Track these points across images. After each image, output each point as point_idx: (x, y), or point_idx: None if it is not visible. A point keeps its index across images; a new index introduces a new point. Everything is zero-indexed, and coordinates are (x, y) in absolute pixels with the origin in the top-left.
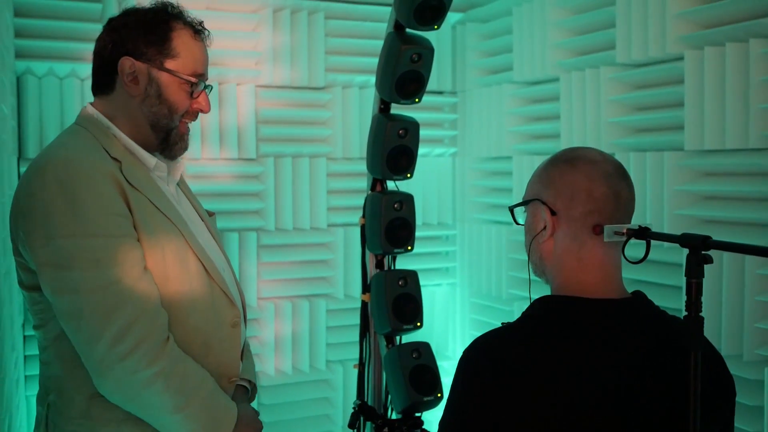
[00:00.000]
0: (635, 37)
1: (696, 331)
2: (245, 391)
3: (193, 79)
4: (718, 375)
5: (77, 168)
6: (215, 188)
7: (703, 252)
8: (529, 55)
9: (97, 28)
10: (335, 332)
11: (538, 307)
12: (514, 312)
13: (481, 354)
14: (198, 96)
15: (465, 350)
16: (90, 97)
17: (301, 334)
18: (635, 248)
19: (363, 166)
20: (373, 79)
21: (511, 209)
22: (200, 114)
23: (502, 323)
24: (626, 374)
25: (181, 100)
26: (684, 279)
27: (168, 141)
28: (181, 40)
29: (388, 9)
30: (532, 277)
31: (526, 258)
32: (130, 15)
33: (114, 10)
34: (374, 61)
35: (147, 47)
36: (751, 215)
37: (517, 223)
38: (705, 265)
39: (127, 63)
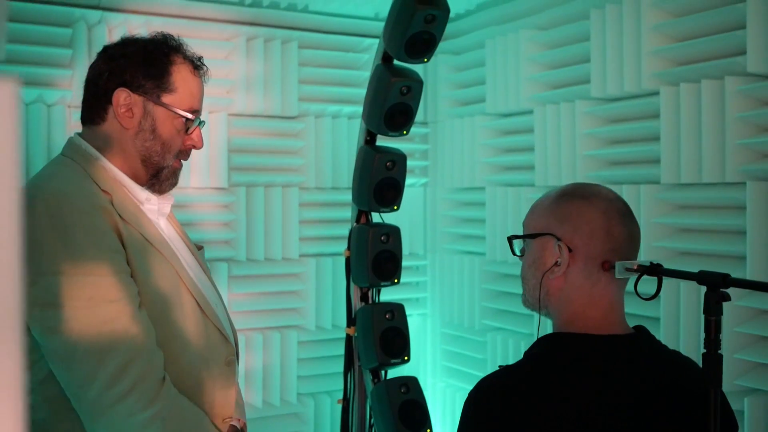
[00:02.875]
0: (610, 72)
1: (715, 368)
2: (236, 430)
3: (189, 115)
4: (724, 407)
5: (68, 201)
6: (186, 217)
7: (722, 290)
8: (503, 88)
9: (65, 53)
10: (306, 364)
11: (545, 344)
12: (487, 343)
13: (491, 395)
14: (192, 132)
15: (473, 392)
16: (59, 124)
17: (271, 366)
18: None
19: (335, 196)
20: (346, 108)
21: (510, 240)
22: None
23: (500, 366)
24: (636, 410)
25: (174, 137)
26: (662, 310)
27: (159, 177)
28: (180, 75)
29: (362, 39)
30: (508, 307)
31: (499, 289)
32: (129, 45)
33: (83, 36)
34: (347, 91)
35: (145, 80)
36: (727, 248)
37: (515, 254)
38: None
39: (123, 94)
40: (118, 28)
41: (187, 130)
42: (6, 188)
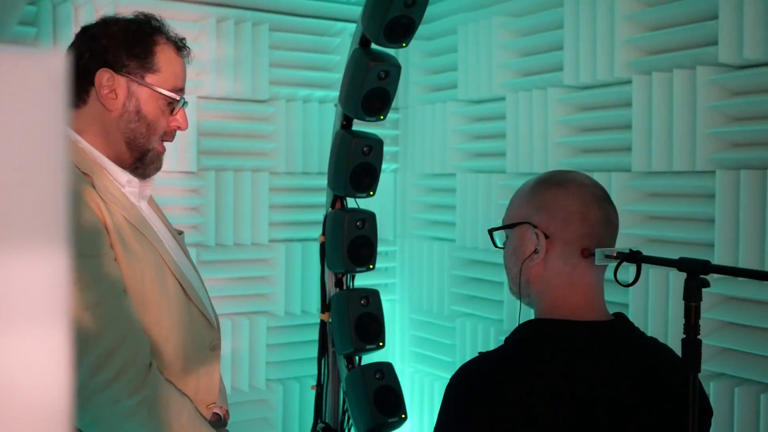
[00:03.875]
0: (583, 60)
1: (695, 354)
2: (218, 417)
3: (174, 95)
4: (700, 394)
5: None
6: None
7: (701, 276)
8: (475, 75)
9: (29, 32)
10: (275, 350)
11: (526, 330)
12: (456, 329)
13: (472, 380)
14: (176, 113)
15: (454, 377)
16: None
17: (240, 352)
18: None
19: (306, 181)
20: (317, 92)
21: (491, 232)
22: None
23: (479, 353)
24: (615, 396)
25: (159, 117)
26: (631, 296)
27: (144, 160)
28: (164, 55)
29: (335, 23)
30: (467, 291)
31: (469, 275)
32: (111, 25)
33: (48, 14)
34: (319, 75)
35: (129, 60)
36: (697, 235)
37: (496, 246)
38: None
39: (105, 75)
40: (84, 6)
41: (172, 110)
42: (54, 173)
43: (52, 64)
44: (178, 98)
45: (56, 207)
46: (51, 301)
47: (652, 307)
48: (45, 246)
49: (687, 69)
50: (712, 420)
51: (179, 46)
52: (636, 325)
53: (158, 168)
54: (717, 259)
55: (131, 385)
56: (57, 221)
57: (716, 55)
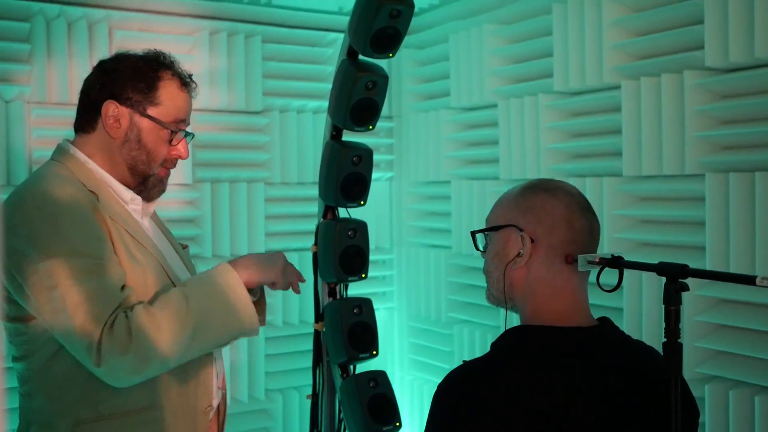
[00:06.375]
0: (572, 66)
1: (676, 357)
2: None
3: (172, 127)
4: (686, 396)
5: (56, 197)
6: None
7: (680, 280)
8: (467, 82)
9: (23, 48)
10: (274, 360)
11: (511, 336)
12: (454, 335)
13: (460, 387)
14: (177, 143)
15: (441, 384)
16: (18, 120)
17: (239, 362)
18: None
19: (301, 191)
20: (311, 103)
21: (474, 234)
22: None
23: (464, 361)
24: (601, 401)
25: (159, 146)
26: (624, 301)
27: (146, 185)
28: (167, 90)
29: (327, 33)
30: (466, 298)
31: (466, 282)
32: (122, 60)
33: (42, 30)
34: (312, 86)
35: (133, 93)
36: (687, 239)
37: (478, 249)
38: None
39: (111, 106)
40: (77, 22)
41: (171, 141)
42: None
43: None
44: (176, 130)
45: None
46: None
47: (646, 310)
48: None
49: (674, 73)
50: (708, 423)
51: (184, 81)
52: (631, 328)
53: (161, 191)
54: (708, 262)
55: (123, 340)
56: None
57: (703, 59)
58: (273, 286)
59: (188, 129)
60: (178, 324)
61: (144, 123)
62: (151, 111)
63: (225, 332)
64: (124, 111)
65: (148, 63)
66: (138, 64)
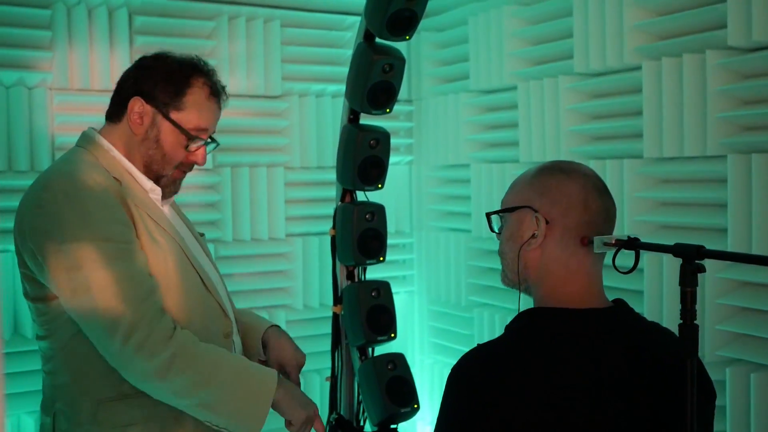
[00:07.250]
0: (593, 47)
1: (692, 339)
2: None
3: (191, 134)
4: (702, 377)
5: (82, 181)
6: None
7: (697, 261)
8: (486, 65)
9: (45, 35)
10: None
11: (525, 318)
12: (474, 319)
13: (474, 369)
14: (195, 150)
15: (455, 368)
16: (41, 106)
17: None
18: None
19: (321, 175)
20: (330, 87)
21: (489, 215)
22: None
23: (478, 344)
24: (617, 382)
25: (176, 150)
26: (645, 283)
27: (159, 183)
28: (194, 96)
29: (345, 17)
30: (485, 281)
31: (485, 265)
32: (160, 59)
33: (63, 17)
34: (331, 70)
35: (160, 94)
36: (708, 221)
37: (493, 230)
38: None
39: (137, 103)
40: (97, 8)
41: (188, 146)
42: None
43: None
44: (195, 137)
45: None
46: None
47: (667, 293)
48: None
49: (696, 53)
50: (729, 406)
51: (215, 90)
52: (652, 310)
53: (174, 192)
54: (730, 244)
55: (160, 344)
56: None
57: (725, 38)
58: (289, 425)
59: (214, 137)
60: (204, 375)
61: (165, 125)
62: (174, 115)
63: (225, 417)
64: (148, 109)
65: (183, 67)
66: (173, 66)
